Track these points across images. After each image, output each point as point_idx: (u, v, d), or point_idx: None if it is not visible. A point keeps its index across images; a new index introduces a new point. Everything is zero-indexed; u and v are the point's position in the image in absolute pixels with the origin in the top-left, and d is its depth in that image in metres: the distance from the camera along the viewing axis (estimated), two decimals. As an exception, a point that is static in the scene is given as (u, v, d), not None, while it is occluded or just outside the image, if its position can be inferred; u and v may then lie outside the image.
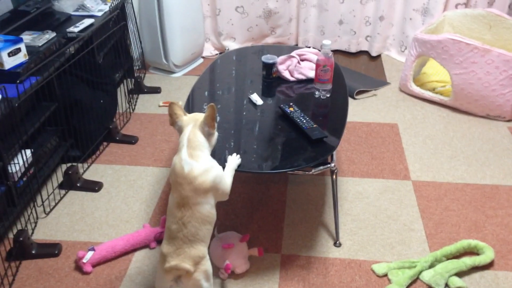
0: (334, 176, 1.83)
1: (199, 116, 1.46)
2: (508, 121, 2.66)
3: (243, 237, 1.76)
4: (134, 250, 1.86)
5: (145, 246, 1.88)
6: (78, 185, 2.19)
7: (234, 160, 1.57)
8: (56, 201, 2.12)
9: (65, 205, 2.11)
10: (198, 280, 1.38)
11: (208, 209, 1.40)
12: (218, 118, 1.50)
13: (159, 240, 1.88)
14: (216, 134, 1.49)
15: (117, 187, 2.21)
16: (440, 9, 3.14)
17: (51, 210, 2.08)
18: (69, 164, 2.22)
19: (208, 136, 1.45)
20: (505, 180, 2.21)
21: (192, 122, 1.44)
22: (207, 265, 1.41)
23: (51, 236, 1.94)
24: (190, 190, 1.37)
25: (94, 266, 1.79)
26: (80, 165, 2.30)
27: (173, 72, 3.25)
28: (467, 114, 2.73)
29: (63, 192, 2.18)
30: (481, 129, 2.60)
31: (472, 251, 1.82)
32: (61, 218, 2.04)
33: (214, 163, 1.44)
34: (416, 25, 3.27)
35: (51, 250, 1.85)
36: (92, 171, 2.33)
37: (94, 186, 2.20)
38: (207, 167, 1.40)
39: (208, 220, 1.41)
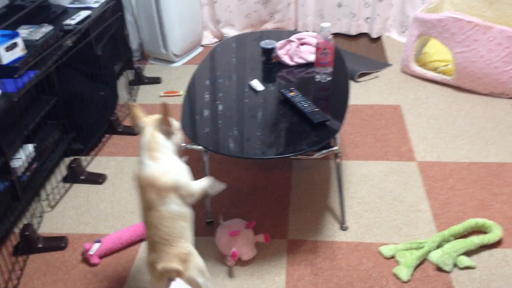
0: (338, 160, 1.82)
1: (158, 117, 1.40)
2: (512, 98, 2.64)
3: (249, 223, 1.76)
4: (141, 240, 1.86)
5: None
6: (82, 178, 2.19)
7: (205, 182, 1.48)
8: (61, 195, 2.12)
9: (70, 198, 2.11)
10: (193, 278, 1.36)
11: (176, 208, 1.35)
12: (173, 121, 1.42)
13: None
14: (179, 133, 1.44)
15: (121, 179, 2.21)
16: (440, -12, 3.09)
17: (56, 203, 2.08)
18: (72, 158, 2.22)
19: (168, 135, 1.40)
20: (510, 157, 2.19)
21: (151, 123, 1.40)
22: (197, 260, 1.38)
23: (57, 229, 1.95)
24: (153, 193, 1.33)
25: (101, 257, 1.79)
26: (83, 158, 2.30)
27: (173, 62, 3.23)
28: (470, 93, 2.71)
29: (67, 185, 2.18)
30: (484, 107, 2.58)
31: (479, 230, 1.81)
32: (67, 211, 2.04)
33: (177, 163, 1.39)
34: (416, 5, 3.23)
35: (57, 243, 1.85)
36: (95, 164, 2.32)
37: (98, 179, 2.20)
38: (168, 169, 1.35)
39: (180, 218, 1.36)
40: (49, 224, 1.97)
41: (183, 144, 1.71)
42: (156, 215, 1.34)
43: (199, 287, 1.37)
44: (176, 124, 1.44)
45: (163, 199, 1.33)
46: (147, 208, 1.35)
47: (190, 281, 1.36)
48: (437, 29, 2.65)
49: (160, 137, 1.38)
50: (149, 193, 1.34)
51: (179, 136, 1.45)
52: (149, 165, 1.35)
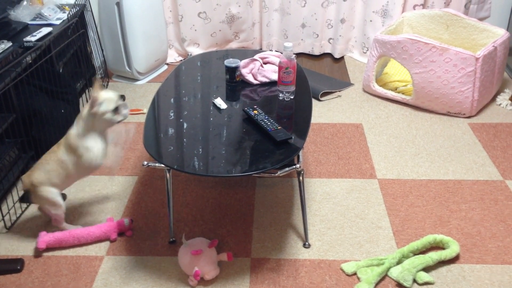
0: (300, 177, 1.84)
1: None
2: (468, 117, 2.73)
3: (212, 242, 1.74)
4: (95, 241, 1.91)
5: (107, 238, 1.93)
6: (40, 197, 2.13)
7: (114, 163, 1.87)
8: (18, 215, 2.05)
9: (27, 219, 2.04)
10: (34, 197, 1.85)
11: (63, 158, 1.80)
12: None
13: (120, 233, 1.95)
14: (106, 115, 1.74)
15: (81, 198, 2.16)
16: (398, 11, 3.21)
17: (12, 224, 2.01)
18: (30, 177, 2.15)
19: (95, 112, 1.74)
20: (467, 175, 2.27)
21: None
22: (42, 192, 1.82)
23: (12, 251, 1.88)
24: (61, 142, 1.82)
25: (49, 247, 1.86)
26: (42, 177, 2.23)
27: (137, 80, 3.21)
28: (428, 112, 2.80)
29: (24, 205, 2.11)
30: (442, 126, 2.66)
31: (438, 246, 1.86)
32: (24, 232, 1.97)
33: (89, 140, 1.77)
34: (376, 27, 3.34)
35: (13, 265, 1.78)
36: (55, 183, 2.26)
37: (57, 198, 2.14)
38: (75, 132, 1.76)
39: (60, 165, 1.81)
40: (5, 245, 1.90)
41: (145, 163, 1.71)
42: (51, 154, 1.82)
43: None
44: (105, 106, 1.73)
45: (59, 146, 1.81)
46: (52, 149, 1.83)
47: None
48: (396, 50, 2.74)
49: (85, 110, 1.76)
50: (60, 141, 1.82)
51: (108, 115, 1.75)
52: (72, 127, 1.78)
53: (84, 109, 1.76)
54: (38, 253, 1.87)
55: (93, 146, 1.78)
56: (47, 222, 2.02)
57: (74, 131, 1.77)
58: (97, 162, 1.80)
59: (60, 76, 2.44)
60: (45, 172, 1.81)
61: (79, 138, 1.76)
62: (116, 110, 1.75)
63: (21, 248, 1.89)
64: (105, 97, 1.73)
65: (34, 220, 2.03)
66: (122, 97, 1.78)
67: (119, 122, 1.79)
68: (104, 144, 1.81)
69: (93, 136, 1.77)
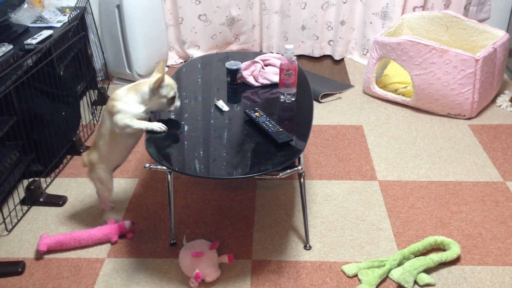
0: (301, 179, 1.84)
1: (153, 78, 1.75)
2: (468, 119, 2.74)
3: (213, 244, 1.75)
4: (96, 244, 1.91)
5: (108, 241, 1.93)
6: (41, 200, 2.13)
7: (157, 127, 1.76)
8: (19, 218, 2.06)
9: (28, 222, 2.04)
10: (89, 176, 1.91)
11: (109, 127, 1.77)
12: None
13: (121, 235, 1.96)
14: (163, 99, 1.76)
15: (82, 201, 2.16)
16: (398, 13, 3.22)
17: (13, 227, 2.01)
18: (31, 179, 2.16)
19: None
20: (467, 176, 2.27)
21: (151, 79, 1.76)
22: (96, 173, 1.87)
23: (13, 254, 1.88)
24: (105, 108, 1.79)
25: (50, 249, 1.86)
26: (42, 179, 2.24)
27: (137, 82, 3.21)
28: (429, 114, 2.80)
29: (25, 208, 2.11)
30: (442, 128, 2.67)
31: (438, 247, 1.86)
32: (24, 235, 1.97)
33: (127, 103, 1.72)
34: (376, 29, 3.34)
35: (14, 268, 1.78)
36: (55, 185, 2.26)
37: (58, 201, 2.14)
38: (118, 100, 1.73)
39: (101, 137, 1.82)
40: (5, 248, 1.90)
41: (147, 165, 1.71)
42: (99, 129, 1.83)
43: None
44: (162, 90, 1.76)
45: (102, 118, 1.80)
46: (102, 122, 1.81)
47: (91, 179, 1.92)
48: (396, 52, 2.75)
49: (145, 85, 1.75)
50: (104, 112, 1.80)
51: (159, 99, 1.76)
52: (121, 91, 1.75)
53: (143, 83, 1.74)
54: (39, 255, 1.87)
55: (128, 109, 1.72)
56: (48, 225, 2.02)
57: (120, 92, 1.73)
58: (122, 123, 1.71)
59: (61, 79, 2.44)
60: (97, 149, 1.83)
61: (118, 99, 1.72)
62: (172, 99, 1.78)
63: (22, 250, 1.89)
64: (170, 82, 1.76)
65: (35, 223, 2.04)
66: None
67: (169, 111, 1.82)
68: (145, 116, 1.77)
69: (138, 105, 1.74)
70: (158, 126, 1.75)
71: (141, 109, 1.74)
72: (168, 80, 1.77)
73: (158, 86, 1.73)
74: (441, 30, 3.06)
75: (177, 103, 1.82)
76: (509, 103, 2.85)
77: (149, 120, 1.81)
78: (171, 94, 1.77)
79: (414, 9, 3.24)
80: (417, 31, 3.12)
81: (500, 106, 2.87)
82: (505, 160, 2.38)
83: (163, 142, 1.75)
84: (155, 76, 1.74)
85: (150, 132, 1.75)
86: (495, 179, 2.24)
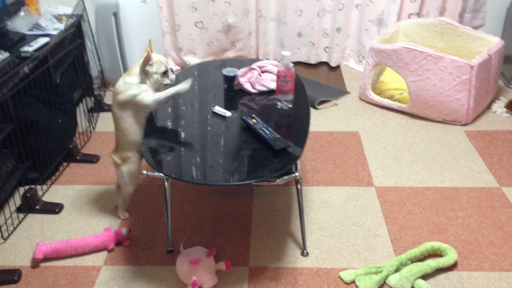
0: (299, 186, 1.84)
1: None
2: (464, 125, 2.75)
3: (210, 251, 1.74)
4: (93, 251, 1.90)
5: (105, 248, 1.93)
6: (37, 207, 2.13)
7: (181, 86, 1.84)
8: (15, 226, 2.05)
9: (24, 229, 2.04)
10: (121, 172, 1.94)
11: (127, 121, 1.85)
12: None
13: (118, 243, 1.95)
14: (155, 75, 1.84)
15: (78, 208, 2.16)
16: (393, 19, 3.24)
17: (9, 235, 2.00)
18: (27, 187, 2.15)
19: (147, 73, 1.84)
20: (463, 182, 2.28)
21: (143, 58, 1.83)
22: (130, 164, 1.92)
23: (9, 262, 1.87)
24: (114, 105, 1.86)
25: (46, 257, 1.85)
26: (39, 187, 2.23)
27: (133, 89, 3.21)
28: (424, 120, 2.81)
29: (21, 216, 2.10)
30: (438, 134, 2.68)
31: (435, 253, 1.86)
32: (20, 243, 1.96)
33: (139, 86, 1.82)
34: (372, 35, 3.36)
35: (10, 276, 1.77)
36: (52, 193, 2.26)
37: (54, 208, 2.13)
38: (127, 87, 1.82)
39: (124, 132, 1.87)
40: (1, 256, 1.89)
41: (144, 172, 1.71)
42: (116, 124, 1.88)
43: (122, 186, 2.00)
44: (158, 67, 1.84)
45: (119, 111, 1.85)
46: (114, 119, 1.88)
47: (120, 173, 1.95)
48: (391, 58, 2.76)
49: (137, 67, 1.84)
50: (112, 105, 1.88)
51: (155, 78, 1.85)
52: (118, 82, 1.84)
53: (135, 66, 1.84)
54: (35, 263, 1.86)
55: (144, 88, 1.83)
56: (44, 232, 2.01)
57: (121, 83, 1.83)
58: (150, 100, 1.82)
59: (57, 86, 2.44)
60: (124, 144, 1.90)
61: (128, 88, 1.81)
62: (165, 73, 1.86)
63: (18, 258, 1.88)
64: (157, 59, 1.84)
65: (31, 231, 2.03)
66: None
67: (166, 85, 1.88)
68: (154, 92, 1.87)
69: (144, 85, 1.84)
70: (184, 86, 1.84)
71: (148, 87, 1.84)
72: (157, 57, 1.84)
73: (146, 64, 1.82)
74: (436, 37, 3.08)
75: (172, 75, 1.89)
76: (504, 109, 2.87)
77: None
78: (162, 68, 1.84)
79: (409, 16, 3.26)
80: (413, 38, 3.14)
81: (495, 112, 2.89)
82: (500, 166, 2.39)
83: (160, 149, 1.75)
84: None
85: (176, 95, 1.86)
86: (491, 185, 2.25)
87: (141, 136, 1.88)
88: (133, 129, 1.86)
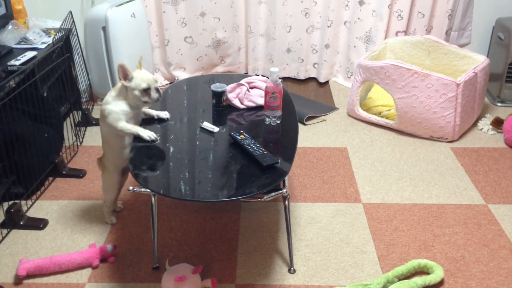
0: (286, 202, 1.83)
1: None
2: (450, 142, 2.77)
3: (196, 268, 1.72)
4: (77, 268, 1.88)
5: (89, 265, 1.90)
6: (21, 223, 2.09)
7: (143, 132, 1.84)
8: (-3, 241, 2.01)
9: (7, 245, 2.00)
10: (102, 179, 2.03)
11: (104, 131, 1.89)
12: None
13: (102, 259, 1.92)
14: (134, 91, 1.82)
15: (63, 224, 2.13)
16: (381, 37, 3.28)
17: (-9, 251, 1.97)
18: (11, 202, 2.12)
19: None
20: (450, 199, 2.29)
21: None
22: (106, 175, 1.99)
23: (-9, 279, 1.83)
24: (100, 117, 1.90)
25: (29, 274, 1.83)
26: (23, 202, 2.20)
27: (122, 103, 3.20)
28: (412, 136, 2.83)
29: (5, 231, 2.07)
30: (425, 151, 2.70)
31: (422, 271, 1.86)
32: (3, 259, 1.92)
33: (116, 102, 1.83)
34: (360, 52, 3.40)
35: (-9, 294, 1.74)
36: (36, 208, 2.23)
37: (38, 224, 2.10)
38: (105, 99, 1.86)
39: (104, 142, 1.92)
40: (-17, 273, 1.86)
41: (130, 188, 1.69)
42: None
43: None
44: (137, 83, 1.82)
45: (101, 122, 1.88)
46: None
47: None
48: (379, 75, 2.79)
49: (118, 87, 1.85)
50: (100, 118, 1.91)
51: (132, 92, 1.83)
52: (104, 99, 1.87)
53: (120, 82, 1.84)
54: (18, 280, 1.82)
55: (116, 109, 1.83)
56: (27, 249, 1.98)
57: (107, 96, 1.86)
58: (116, 124, 1.82)
59: (44, 100, 2.42)
60: (104, 153, 1.96)
61: (107, 103, 1.85)
62: (145, 91, 1.82)
63: (0, 275, 1.85)
64: (139, 75, 1.82)
65: (14, 247, 1.99)
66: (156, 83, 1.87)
67: (145, 103, 1.85)
68: (132, 112, 1.86)
69: (121, 103, 1.84)
70: (147, 134, 1.82)
71: (124, 106, 1.83)
72: (140, 73, 1.82)
73: (124, 77, 1.80)
74: (423, 55, 3.12)
75: (154, 95, 1.84)
76: (490, 126, 2.90)
77: (141, 124, 1.92)
78: (143, 85, 1.81)
79: (396, 33, 3.30)
80: (400, 55, 3.18)
81: (481, 129, 2.92)
82: (486, 183, 2.41)
83: (148, 164, 1.73)
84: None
85: (138, 138, 1.83)
86: (477, 202, 2.26)
87: (121, 150, 1.89)
88: (112, 141, 1.88)
